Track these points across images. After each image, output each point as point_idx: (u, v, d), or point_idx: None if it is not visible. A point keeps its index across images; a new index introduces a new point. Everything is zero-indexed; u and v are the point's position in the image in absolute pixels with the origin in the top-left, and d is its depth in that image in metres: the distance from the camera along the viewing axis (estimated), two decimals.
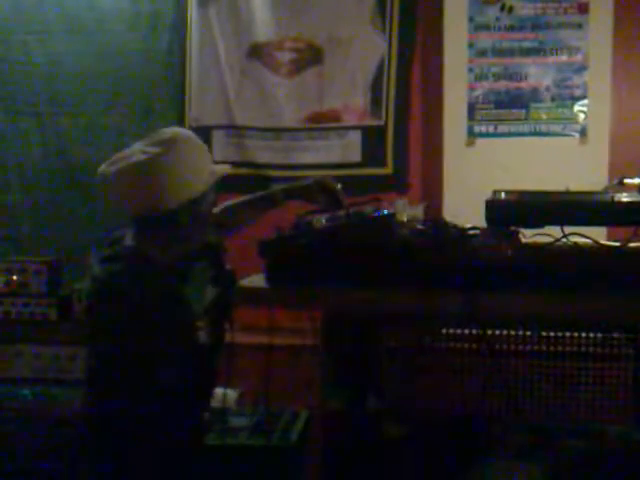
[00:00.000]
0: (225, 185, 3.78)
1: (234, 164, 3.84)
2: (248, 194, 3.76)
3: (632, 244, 2.13)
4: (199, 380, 2.20)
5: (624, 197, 2.06)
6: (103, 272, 2.15)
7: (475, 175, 3.61)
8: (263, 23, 3.83)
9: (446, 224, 2.19)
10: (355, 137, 3.79)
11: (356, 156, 3.80)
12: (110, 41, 3.97)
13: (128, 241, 2.17)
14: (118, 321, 2.10)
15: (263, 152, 3.84)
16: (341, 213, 2.22)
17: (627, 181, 2.14)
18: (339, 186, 2.37)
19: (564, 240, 2.15)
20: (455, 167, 3.71)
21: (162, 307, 2.09)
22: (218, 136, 3.88)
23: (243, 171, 3.84)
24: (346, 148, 3.80)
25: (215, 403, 3.09)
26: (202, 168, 2.19)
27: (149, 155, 2.09)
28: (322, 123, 3.80)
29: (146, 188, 2.09)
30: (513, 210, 2.07)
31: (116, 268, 2.14)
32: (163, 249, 2.13)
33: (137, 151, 2.12)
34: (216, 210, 2.39)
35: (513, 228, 2.13)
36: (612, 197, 2.07)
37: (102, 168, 2.16)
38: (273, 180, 3.81)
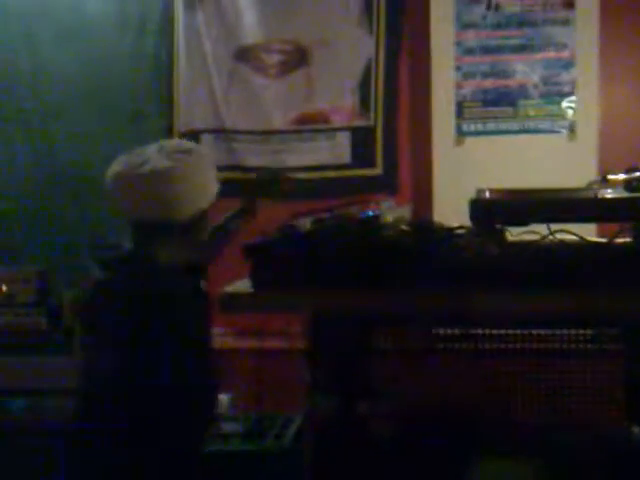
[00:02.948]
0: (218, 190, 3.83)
1: (223, 168, 3.86)
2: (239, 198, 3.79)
3: (619, 240, 2.13)
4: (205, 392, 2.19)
5: (607, 194, 2.05)
6: (109, 277, 2.16)
7: (465, 174, 3.61)
8: (250, 26, 3.83)
9: (432, 224, 2.19)
10: (344, 138, 3.78)
11: (345, 157, 3.79)
12: (97, 46, 3.97)
13: (136, 247, 2.18)
14: (129, 326, 2.09)
15: (252, 155, 3.83)
16: (326, 216, 2.22)
17: (611, 177, 2.14)
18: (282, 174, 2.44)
19: (551, 237, 2.15)
20: (444, 166, 3.71)
21: (176, 314, 2.11)
22: (207, 140, 3.87)
23: (232, 175, 3.83)
24: (335, 149, 3.79)
25: None
26: (213, 179, 2.27)
27: (171, 163, 2.14)
28: (310, 125, 3.79)
29: (166, 195, 2.14)
30: (497, 209, 2.06)
31: (125, 273, 2.15)
32: (172, 256, 2.17)
33: (154, 157, 2.15)
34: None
35: (499, 227, 2.12)
36: (595, 194, 2.06)
37: (116, 169, 2.17)
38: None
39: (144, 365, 2.08)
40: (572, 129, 3.58)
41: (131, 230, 2.22)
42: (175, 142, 2.31)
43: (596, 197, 2.05)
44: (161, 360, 2.09)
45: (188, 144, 2.28)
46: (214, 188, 2.27)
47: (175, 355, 2.09)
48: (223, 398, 3.14)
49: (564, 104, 3.60)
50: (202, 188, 2.21)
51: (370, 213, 2.20)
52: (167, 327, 2.10)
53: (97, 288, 2.20)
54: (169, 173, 2.14)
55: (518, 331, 2.40)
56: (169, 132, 3.86)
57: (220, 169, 3.82)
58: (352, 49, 3.76)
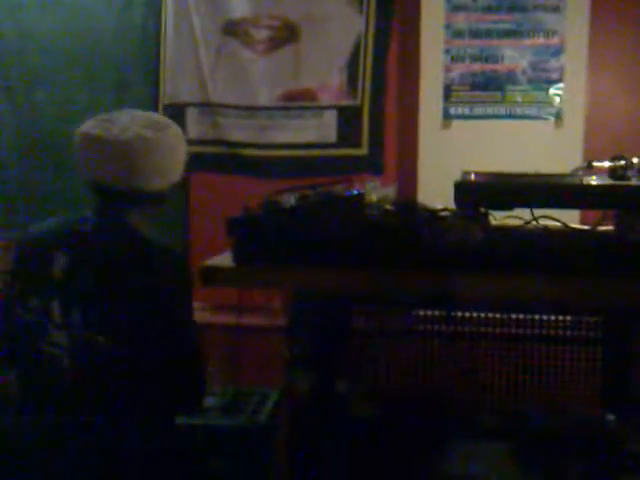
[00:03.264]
0: (200, 163, 3.82)
1: (208, 142, 3.84)
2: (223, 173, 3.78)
3: (601, 227, 2.14)
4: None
5: (593, 180, 2.05)
6: (91, 249, 2.15)
7: (450, 157, 3.60)
8: (239, 0, 3.79)
9: (416, 205, 2.18)
10: (331, 117, 3.76)
11: (332, 136, 3.77)
12: (84, 15, 3.90)
13: (103, 215, 2.19)
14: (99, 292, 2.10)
15: (237, 130, 3.80)
16: (310, 192, 2.21)
17: (596, 164, 2.14)
18: None
19: (534, 223, 2.16)
20: (430, 149, 3.70)
21: (147, 279, 2.11)
22: (192, 113, 3.83)
23: (217, 150, 3.82)
24: (322, 128, 3.77)
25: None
26: (184, 155, 2.29)
27: (152, 134, 2.16)
28: (297, 102, 3.77)
29: (144, 165, 2.15)
30: (481, 192, 2.06)
31: (108, 243, 2.15)
32: (141, 226, 2.20)
33: (130, 125, 2.16)
34: None
35: (483, 210, 2.12)
36: (580, 180, 2.06)
37: (92, 132, 2.16)
38: (248, 160, 3.79)
39: (117, 333, 2.09)
40: (559, 116, 3.58)
41: (98, 197, 2.21)
42: (149, 114, 2.27)
43: (581, 183, 2.05)
44: (134, 329, 2.09)
45: (163, 117, 2.31)
46: (183, 163, 2.29)
47: (148, 323, 2.09)
48: None
49: (551, 91, 3.59)
50: (176, 162, 2.25)
51: (354, 191, 2.19)
52: (136, 291, 2.09)
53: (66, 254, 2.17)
54: (151, 143, 2.15)
55: (498, 315, 2.42)
56: (154, 103, 3.83)
57: (205, 143, 3.86)
58: (341, 28, 3.73)
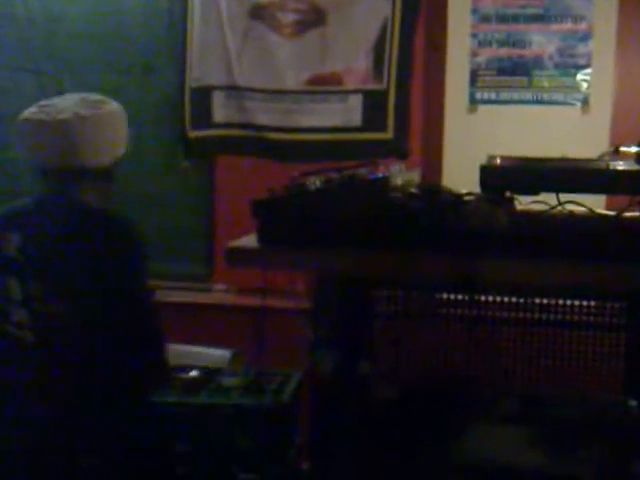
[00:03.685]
0: (226, 146, 3.83)
1: (234, 125, 3.85)
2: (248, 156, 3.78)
3: (627, 213, 2.13)
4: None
5: (620, 165, 2.04)
6: (40, 224, 2.23)
7: (476, 142, 3.59)
8: None
9: (440, 188, 2.18)
10: (356, 101, 3.76)
11: (357, 120, 3.77)
12: (111, 1, 3.94)
13: (61, 194, 2.27)
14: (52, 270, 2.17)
15: (263, 114, 3.81)
16: (335, 175, 2.21)
17: (623, 149, 2.13)
18: None
19: (559, 208, 2.15)
20: (456, 133, 3.69)
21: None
22: (218, 96, 3.84)
23: (243, 133, 3.83)
24: (347, 112, 3.76)
25: (209, 363, 3.12)
26: (126, 130, 2.37)
27: (89, 112, 2.24)
28: (323, 86, 3.77)
29: (88, 142, 2.23)
30: (507, 176, 2.06)
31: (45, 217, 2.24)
32: (91, 201, 2.29)
33: (69, 107, 2.24)
34: None
35: (508, 194, 2.12)
36: (607, 165, 2.05)
37: (33, 116, 2.25)
38: (273, 143, 3.80)
39: (74, 302, 2.16)
40: (586, 102, 3.56)
41: (43, 177, 2.30)
42: (86, 94, 2.35)
43: (607, 168, 2.05)
44: (89, 297, 2.15)
45: (100, 96, 2.36)
46: (125, 139, 2.36)
47: (100, 289, 2.15)
48: (224, 353, 3.17)
49: (579, 76, 3.57)
50: (116, 138, 2.32)
51: (379, 175, 2.20)
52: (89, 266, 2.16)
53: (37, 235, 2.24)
54: (89, 121, 2.23)
55: (521, 300, 2.41)
56: (180, 87, 3.85)
57: (231, 126, 3.87)
58: (368, 11, 3.71)
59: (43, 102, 2.31)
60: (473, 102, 3.67)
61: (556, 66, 3.60)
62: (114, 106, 2.34)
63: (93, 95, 2.36)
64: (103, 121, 2.27)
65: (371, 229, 2.03)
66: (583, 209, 2.14)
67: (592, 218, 2.12)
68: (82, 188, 2.27)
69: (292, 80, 3.77)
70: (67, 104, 2.27)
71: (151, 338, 2.22)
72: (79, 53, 3.99)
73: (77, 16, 3.97)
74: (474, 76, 3.66)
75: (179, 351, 2.85)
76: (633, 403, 2.35)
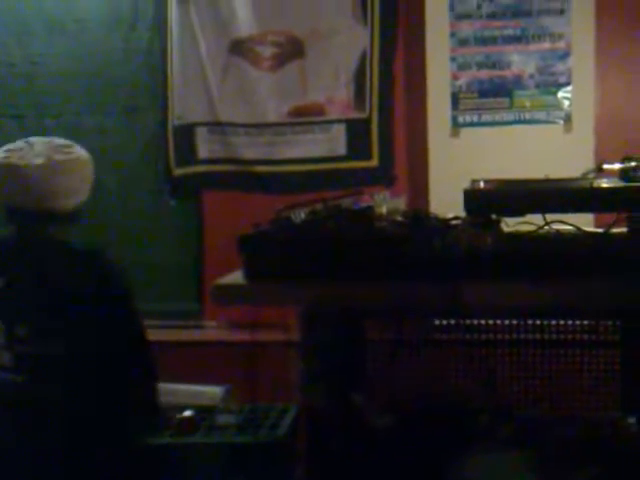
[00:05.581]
0: (212, 182, 3.83)
1: (219, 161, 3.85)
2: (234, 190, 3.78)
3: (614, 230, 2.12)
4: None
5: (603, 183, 2.04)
6: (28, 266, 2.25)
7: (460, 165, 3.58)
8: (244, 18, 3.80)
9: (426, 215, 2.17)
10: (339, 130, 3.76)
11: (341, 149, 3.78)
12: (90, 41, 3.96)
13: (36, 235, 2.29)
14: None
15: (247, 148, 3.81)
16: (320, 207, 2.20)
17: (606, 167, 2.12)
18: None
19: (546, 228, 2.14)
20: (440, 157, 3.69)
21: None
22: (201, 133, 3.85)
23: (228, 168, 3.83)
24: (330, 142, 3.77)
25: (202, 401, 3.09)
26: (91, 173, 2.40)
27: (67, 156, 2.29)
28: (305, 117, 3.77)
29: (60, 186, 2.27)
30: (490, 200, 2.05)
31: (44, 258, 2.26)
32: (60, 242, 2.31)
33: (42, 150, 2.27)
34: None
35: (494, 217, 2.11)
36: (591, 183, 2.05)
37: (7, 160, 2.27)
38: (259, 176, 3.80)
39: (59, 342, 2.17)
40: (568, 119, 3.57)
41: (15, 219, 2.31)
42: (52, 139, 2.38)
43: (592, 186, 2.04)
44: (72, 335, 2.17)
45: (67, 141, 2.39)
46: (91, 183, 2.39)
47: (83, 325, 2.18)
48: (218, 390, 3.14)
49: (560, 94, 3.58)
50: (84, 182, 2.35)
51: (364, 204, 2.19)
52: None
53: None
54: (60, 166, 2.27)
55: (513, 322, 2.40)
56: (163, 124, 3.85)
57: (215, 162, 3.87)
58: (347, 41, 3.73)
59: (9, 146, 2.33)
60: (456, 125, 3.67)
61: (537, 85, 3.62)
62: (81, 151, 2.38)
63: (57, 139, 2.39)
64: (73, 165, 2.31)
65: (358, 260, 2.01)
66: (571, 228, 2.13)
67: (579, 237, 2.11)
68: (53, 229, 2.30)
69: (274, 113, 3.78)
70: (39, 149, 2.29)
71: (140, 376, 2.21)
72: (60, 95, 4.00)
73: (57, 58, 3.98)
74: (455, 99, 3.67)
75: (171, 390, 2.83)
76: (631, 420, 2.33)
